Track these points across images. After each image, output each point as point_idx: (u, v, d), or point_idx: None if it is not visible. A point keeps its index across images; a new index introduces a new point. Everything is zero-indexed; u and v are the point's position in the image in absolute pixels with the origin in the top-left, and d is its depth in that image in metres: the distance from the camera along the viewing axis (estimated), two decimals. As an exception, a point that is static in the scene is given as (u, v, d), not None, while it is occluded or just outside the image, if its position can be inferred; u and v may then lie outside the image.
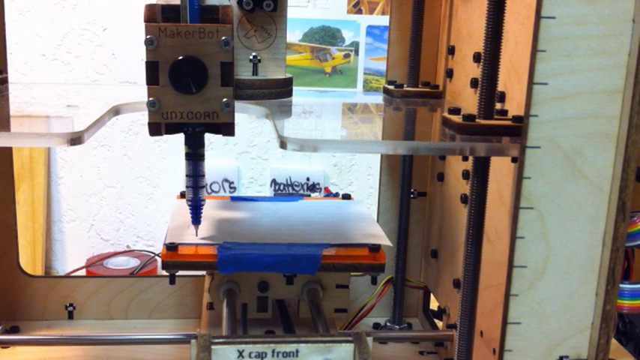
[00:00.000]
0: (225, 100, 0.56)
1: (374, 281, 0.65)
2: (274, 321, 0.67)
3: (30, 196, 2.07)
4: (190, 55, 0.55)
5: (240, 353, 0.51)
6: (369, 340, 0.52)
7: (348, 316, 0.79)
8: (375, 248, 0.63)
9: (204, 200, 0.64)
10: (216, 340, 0.51)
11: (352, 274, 0.68)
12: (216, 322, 0.66)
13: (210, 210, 0.73)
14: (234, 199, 0.79)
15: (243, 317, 0.66)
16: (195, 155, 0.62)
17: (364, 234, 0.67)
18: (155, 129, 0.58)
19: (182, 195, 0.77)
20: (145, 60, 0.55)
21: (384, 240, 0.65)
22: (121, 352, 0.75)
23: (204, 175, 0.63)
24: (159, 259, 1.98)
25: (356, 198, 0.81)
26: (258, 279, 0.65)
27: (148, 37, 0.54)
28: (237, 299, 0.65)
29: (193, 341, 0.51)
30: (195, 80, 0.55)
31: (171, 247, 0.62)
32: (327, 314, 0.66)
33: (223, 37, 0.55)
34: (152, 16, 0.55)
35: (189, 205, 0.64)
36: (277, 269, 0.61)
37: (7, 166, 0.78)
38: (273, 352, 0.51)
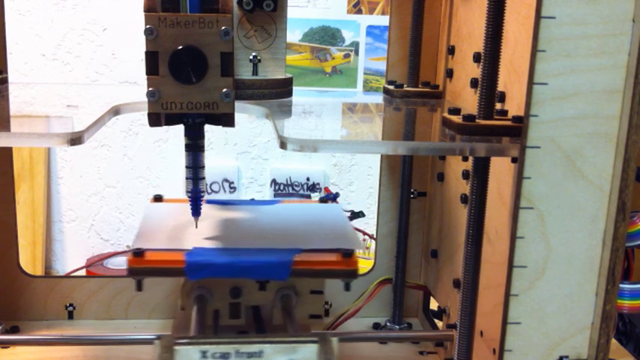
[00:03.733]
0: (225, 90, 0.56)
1: (347, 287, 0.62)
2: (247, 328, 0.66)
3: (30, 196, 2.07)
4: (190, 45, 0.55)
5: (204, 354, 0.50)
6: (334, 340, 0.52)
7: (335, 315, 0.79)
8: (348, 254, 0.61)
9: (204, 192, 0.64)
10: (180, 341, 0.50)
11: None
12: (188, 326, 0.65)
13: (183, 214, 0.71)
14: (208, 202, 0.76)
15: (215, 323, 0.64)
16: (195, 146, 0.61)
17: (339, 239, 0.66)
18: (155, 119, 0.57)
19: (156, 199, 0.76)
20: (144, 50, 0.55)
21: (359, 245, 0.64)
22: (121, 352, 0.75)
23: (204, 167, 0.62)
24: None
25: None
26: (230, 285, 0.64)
27: (147, 26, 0.54)
28: (209, 305, 0.64)
29: (157, 342, 0.50)
30: (195, 70, 0.55)
31: (138, 253, 0.60)
32: (301, 320, 0.64)
33: (223, 27, 0.55)
34: (152, 5, 0.55)
35: (188, 197, 0.63)
36: (247, 275, 0.60)
37: (7, 166, 0.78)
38: (236, 352, 0.50)
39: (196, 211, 0.64)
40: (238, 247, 0.63)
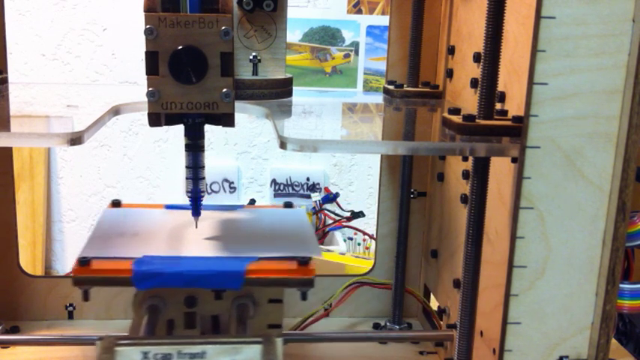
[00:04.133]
0: (225, 90, 0.56)
1: (304, 297, 0.60)
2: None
3: (30, 196, 2.07)
4: (190, 45, 0.55)
5: (145, 355, 0.49)
6: (279, 341, 0.51)
7: (304, 316, 0.79)
8: (304, 262, 0.59)
9: (204, 192, 0.63)
10: (121, 342, 0.50)
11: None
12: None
13: (140, 220, 0.69)
14: (168, 207, 0.75)
15: (169, 334, 0.62)
16: (194, 146, 0.61)
17: (298, 246, 0.63)
18: (155, 119, 0.57)
19: (114, 204, 0.74)
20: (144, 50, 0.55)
21: (317, 252, 0.62)
22: (121, 352, 0.75)
23: (203, 167, 0.62)
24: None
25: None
26: (185, 294, 0.61)
27: (147, 26, 0.54)
28: (163, 315, 0.61)
29: (98, 342, 0.50)
30: (195, 70, 0.55)
31: (84, 262, 0.58)
32: (259, 330, 0.62)
33: (223, 27, 0.55)
34: (152, 5, 0.55)
35: (188, 197, 0.63)
36: (199, 284, 0.58)
37: (7, 166, 0.78)
38: (178, 353, 0.50)
39: (196, 211, 0.64)
40: (191, 255, 0.61)
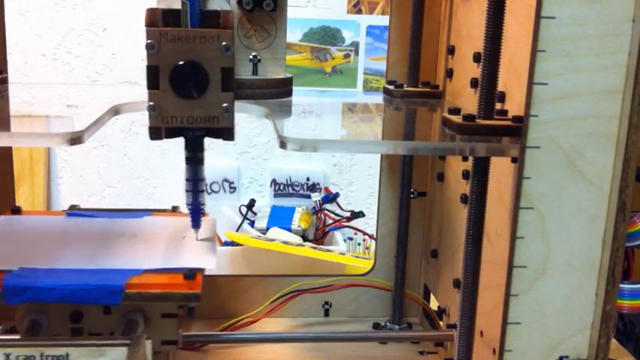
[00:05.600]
0: (225, 105, 0.56)
1: (190, 313, 0.58)
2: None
3: (30, 196, 2.07)
4: (191, 60, 0.55)
5: (7, 357, 0.48)
6: (148, 344, 0.50)
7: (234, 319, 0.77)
8: (190, 275, 0.56)
9: (204, 204, 0.63)
10: None
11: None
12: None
13: (32, 229, 0.67)
14: (70, 214, 0.72)
15: None
16: (195, 159, 0.61)
17: (191, 258, 0.61)
18: (155, 133, 0.58)
19: (13, 211, 0.72)
20: (145, 63, 0.55)
21: (210, 264, 0.60)
22: (121, 352, 0.75)
23: (203, 180, 0.62)
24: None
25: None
26: (70, 309, 0.58)
27: (148, 41, 0.54)
28: (46, 331, 0.58)
29: None
30: (195, 85, 0.55)
31: None
32: (154, 348, 0.56)
33: (224, 43, 0.55)
34: (153, 20, 0.55)
35: (189, 209, 0.63)
36: (74, 299, 0.55)
37: (7, 166, 0.78)
38: (41, 355, 0.48)
39: (196, 224, 0.64)
40: (71, 268, 0.58)
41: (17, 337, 0.57)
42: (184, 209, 0.67)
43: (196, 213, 0.63)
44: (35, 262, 0.59)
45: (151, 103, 0.55)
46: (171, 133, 0.59)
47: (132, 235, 0.67)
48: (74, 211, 0.74)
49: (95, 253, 0.62)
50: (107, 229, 0.68)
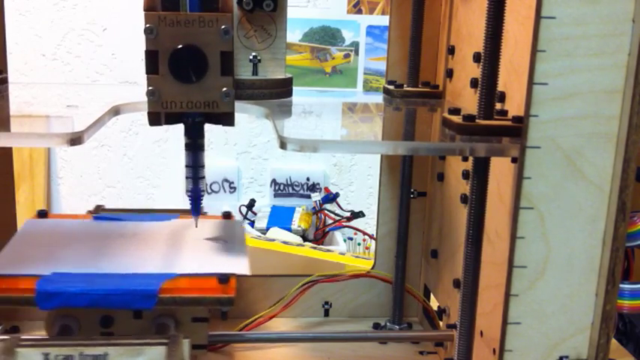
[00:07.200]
0: (225, 89, 0.56)
1: (224, 316, 0.58)
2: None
3: (30, 196, 2.07)
4: (190, 44, 0.54)
5: (46, 356, 0.48)
6: (186, 343, 0.50)
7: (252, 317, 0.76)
8: (224, 279, 0.56)
9: (204, 191, 0.63)
10: (22, 343, 0.49)
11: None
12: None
13: (61, 233, 0.66)
14: (97, 218, 0.71)
15: None
16: (194, 146, 0.61)
17: (223, 262, 0.60)
18: (154, 118, 0.57)
19: (39, 214, 0.71)
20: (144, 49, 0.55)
21: (243, 269, 0.59)
22: (121, 352, 0.75)
23: (203, 166, 0.61)
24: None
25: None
26: (100, 313, 0.58)
27: (147, 25, 0.54)
28: (77, 336, 0.58)
29: None
30: (195, 69, 0.55)
31: None
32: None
33: (223, 26, 0.55)
34: (152, 4, 0.55)
35: (188, 197, 0.63)
36: (106, 304, 0.54)
37: (7, 166, 0.78)
38: (80, 355, 0.48)
39: (196, 211, 0.64)
40: (104, 272, 0.58)
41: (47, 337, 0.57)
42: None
43: (196, 200, 0.63)
44: (67, 266, 0.59)
45: (150, 88, 0.55)
46: (171, 119, 0.58)
47: (161, 239, 0.66)
48: (100, 212, 0.73)
49: (126, 257, 0.62)
50: (136, 232, 0.68)
